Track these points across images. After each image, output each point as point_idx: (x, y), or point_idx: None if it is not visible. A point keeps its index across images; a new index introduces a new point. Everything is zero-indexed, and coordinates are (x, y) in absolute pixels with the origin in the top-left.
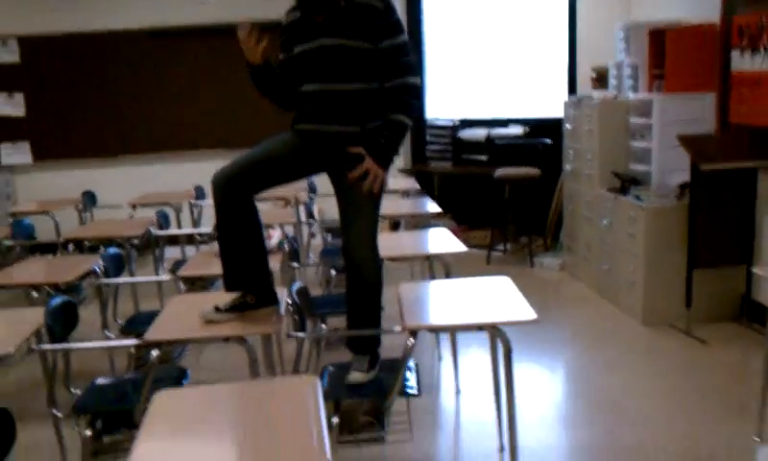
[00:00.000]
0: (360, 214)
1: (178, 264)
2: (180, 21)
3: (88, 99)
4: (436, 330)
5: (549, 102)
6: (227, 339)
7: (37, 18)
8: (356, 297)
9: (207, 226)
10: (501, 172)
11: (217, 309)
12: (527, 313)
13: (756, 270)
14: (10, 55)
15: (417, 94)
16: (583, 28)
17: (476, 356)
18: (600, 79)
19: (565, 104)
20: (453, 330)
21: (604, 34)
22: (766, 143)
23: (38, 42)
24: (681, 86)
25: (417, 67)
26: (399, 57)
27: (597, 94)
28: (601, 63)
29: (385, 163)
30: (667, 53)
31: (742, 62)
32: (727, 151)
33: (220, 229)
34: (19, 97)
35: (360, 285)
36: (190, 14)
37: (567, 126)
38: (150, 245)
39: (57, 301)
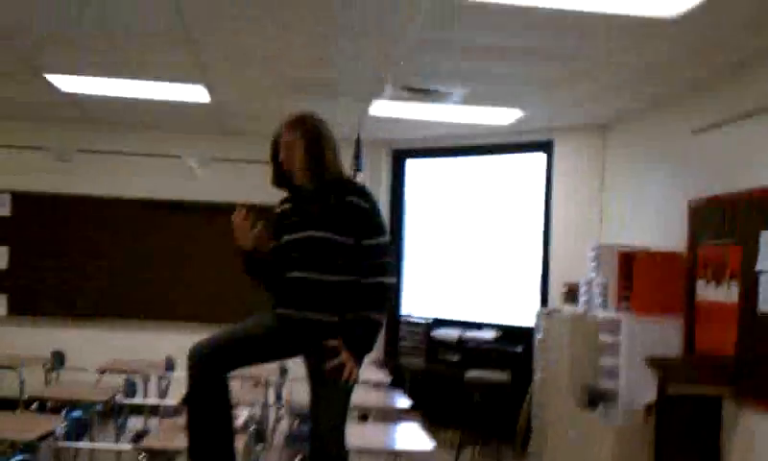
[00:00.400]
0: (332, 406)
1: (140, 435)
2: (170, 195)
3: (71, 259)
4: None
5: (521, 310)
6: None
7: (33, 176)
8: None
9: (174, 398)
10: (472, 374)
11: None
12: None
13: None
14: (1, 208)
15: (390, 294)
16: (556, 244)
17: None
18: (570, 294)
19: (537, 314)
20: None
21: (575, 251)
22: (729, 371)
23: (31, 199)
24: (648, 308)
25: (393, 268)
26: (379, 256)
27: (568, 308)
28: (572, 279)
29: (360, 356)
30: (635, 276)
31: (707, 292)
32: (692, 375)
33: (190, 402)
34: (3, 250)
35: None
36: (180, 189)
37: (539, 336)
38: (113, 412)
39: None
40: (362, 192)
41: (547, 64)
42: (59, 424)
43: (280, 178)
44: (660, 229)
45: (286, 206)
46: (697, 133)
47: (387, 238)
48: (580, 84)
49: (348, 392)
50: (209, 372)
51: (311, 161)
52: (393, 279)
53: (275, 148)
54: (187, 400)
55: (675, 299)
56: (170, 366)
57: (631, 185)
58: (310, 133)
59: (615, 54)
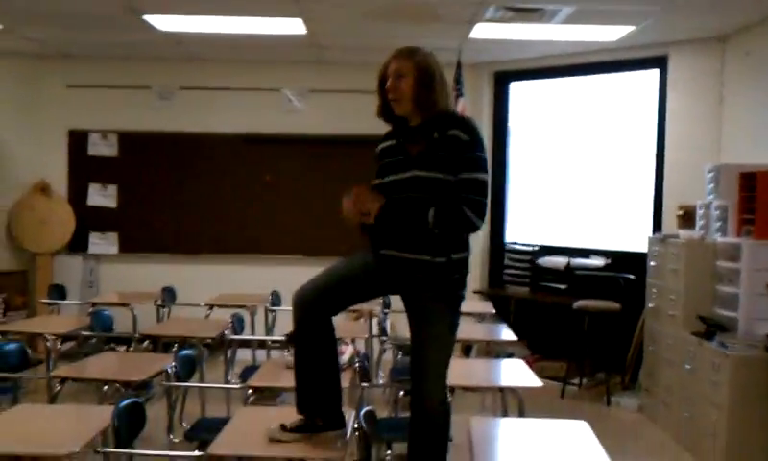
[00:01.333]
0: (432, 349)
1: (248, 371)
2: (273, 129)
3: (178, 196)
4: None
5: (632, 236)
6: (290, 460)
7: (138, 116)
8: (420, 438)
9: (281, 332)
10: (581, 303)
11: (283, 428)
12: None
13: None
14: (109, 148)
15: (467, 228)
16: (670, 165)
17: None
18: (686, 218)
19: (650, 240)
20: None
21: (692, 172)
22: None
23: (137, 138)
24: None
25: (481, 208)
26: (472, 192)
27: (683, 233)
28: (687, 202)
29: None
30: (758, 197)
31: None
32: None
33: (297, 348)
34: (113, 189)
35: (426, 428)
36: (283, 123)
37: (651, 263)
38: (222, 345)
39: (126, 402)
40: (466, 125)
41: None
42: (169, 364)
43: (386, 109)
44: None
45: (390, 142)
46: None
47: (483, 175)
48: None
49: (449, 336)
50: (314, 315)
51: (420, 94)
52: (476, 219)
53: (382, 78)
54: (294, 343)
55: None
56: (276, 300)
57: (752, 100)
58: (422, 64)
59: None
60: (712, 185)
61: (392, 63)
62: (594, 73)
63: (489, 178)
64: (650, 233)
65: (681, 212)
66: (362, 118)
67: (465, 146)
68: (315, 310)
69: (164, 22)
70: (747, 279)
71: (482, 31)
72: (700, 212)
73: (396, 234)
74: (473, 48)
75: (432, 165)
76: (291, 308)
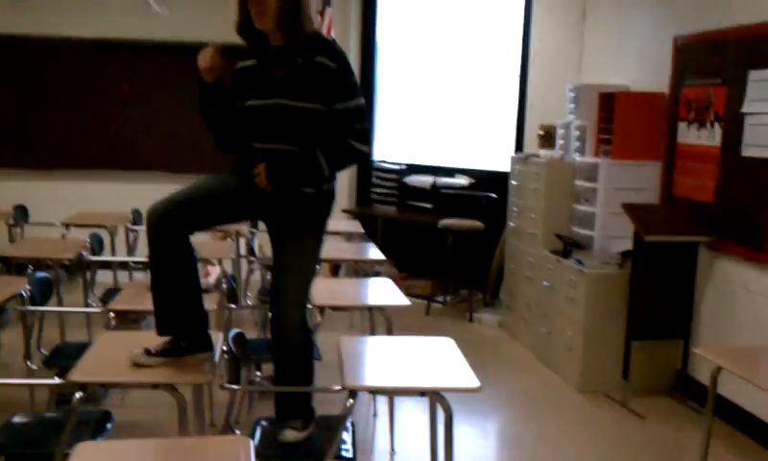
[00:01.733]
0: (291, 275)
1: (109, 294)
2: (132, 34)
3: (28, 107)
4: (377, 393)
5: (496, 155)
6: (156, 386)
7: None
8: (283, 361)
9: (143, 253)
10: (445, 222)
11: (147, 352)
12: (470, 380)
13: (696, 350)
14: None
15: (358, 160)
16: (533, 85)
17: (412, 417)
18: (547, 137)
19: (512, 159)
20: (395, 394)
21: (554, 92)
22: (708, 218)
23: None
24: (628, 153)
25: (368, 134)
26: (351, 120)
27: (544, 153)
28: (550, 122)
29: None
30: (616, 118)
31: (688, 135)
32: (670, 223)
33: (153, 268)
34: None
35: (286, 351)
36: (142, 28)
37: (513, 182)
38: (80, 268)
39: None
40: (332, 50)
41: None
42: (24, 286)
43: (246, 27)
44: (644, 68)
45: (249, 62)
46: None
47: (360, 101)
48: None
49: (311, 263)
50: (170, 234)
51: (285, 10)
52: (365, 148)
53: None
54: (149, 262)
55: (655, 142)
56: (138, 219)
57: (614, 21)
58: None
59: None
60: (573, 105)
61: None
62: None
63: (363, 100)
64: (512, 153)
65: (542, 132)
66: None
67: (334, 74)
68: (170, 227)
69: None
70: (603, 199)
71: None
72: (560, 132)
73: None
74: None
75: (298, 94)
76: (145, 228)
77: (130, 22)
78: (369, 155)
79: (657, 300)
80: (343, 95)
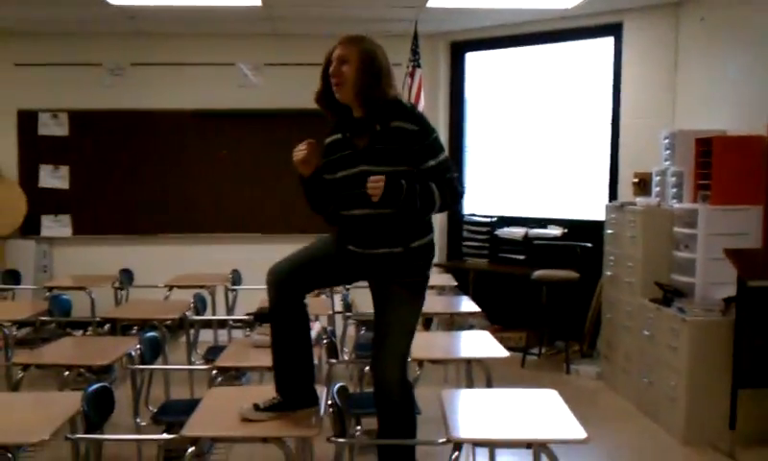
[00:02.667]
0: (393, 333)
1: (211, 351)
2: (225, 104)
3: (133, 175)
4: (483, 445)
5: (588, 204)
6: (265, 440)
7: (89, 94)
8: (385, 416)
9: (242, 311)
10: (539, 273)
11: (257, 407)
12: (576, 432)
13: None
14: (59, 128)
15: (455, 205)
16: (625, 133)
17: None
18: (642, 185)
19: (607, 208)
20: (501, 446)
21: (647, 140)
22: None
23: (87, 117)
24: (727, 198)
25: (459, 182)
26: (442, 175)
27: (640, 201)
28: (643, 169)
29: (394, 193)
30: (714, 162)
31: None
32: None
33: (274, 327)
34: (65, 170)
35: (388, 406)
36: (235, 99)
37: (608, 230)
38: (183, 327)
39: (95, 387)
40: (409, 114)
41: None
42: (133, 346)
43: (326, 96)
44: (740, 111)
45: (335, 137)
46: None
47: (445, 154)
48: None
49: (411, 321)
50: (290, 294)
51: (362, 82)
52: (461, 190)
53: (326, 64)
54: (271, 322)
55: (756, 186)
56: (237, 279)
57: (707, 67)
58: (367, 52)
59: None
60: (668, 152)
61: (337, 49)
62: (550, 42)
63: (446, 153)
64: (606, 202)
65: (637, 180)
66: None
67: (415, 136)
68: (291, 289)
69: None
70: (703, 245)
71: (439, 0)
72: (656, 179)
73: (355, 231)
74: (429, 18)
75: (379, 159)
76: (266, 286)
77: (227, 93)
78: (463, 195)
79: (763, 346)
80: (427, 154)
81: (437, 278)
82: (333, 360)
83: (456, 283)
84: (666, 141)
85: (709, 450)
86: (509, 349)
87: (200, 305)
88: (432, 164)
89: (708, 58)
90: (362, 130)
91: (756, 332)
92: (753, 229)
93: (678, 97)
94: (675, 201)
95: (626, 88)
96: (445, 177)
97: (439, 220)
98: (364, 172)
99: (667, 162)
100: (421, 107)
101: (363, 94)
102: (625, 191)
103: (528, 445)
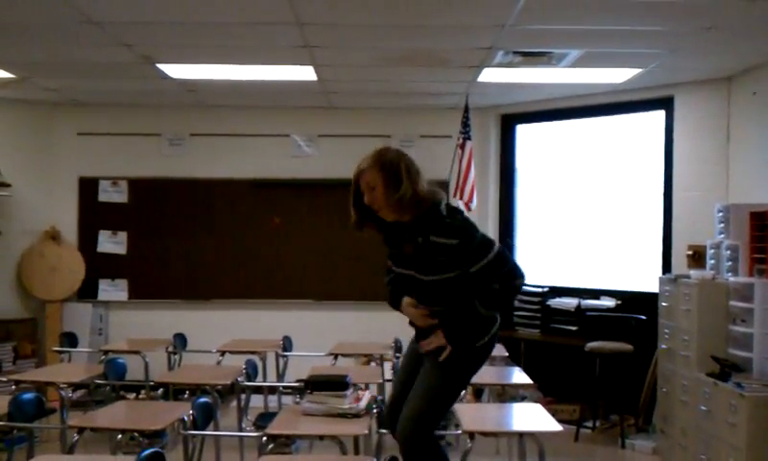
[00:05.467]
0: (423, 396)
1: (262, 418)
2: (283, 174)
3: (188, 242)
4: None
5: (641, 276)
6: None
7: (148, 163)
8: None
9: (292, 377)
10: (593, 345)
11: None
12: None
13: None
14: (119, 195)
15: (519, 292)
16: (679, 205)
17: None
18: (696, 257)
19: (661, 280)
20: None
21: (701, 212)
22: None
23: (147, 185)
24: None
25: (518, 272)
26: (493, 273)
27: (695, 273)
28: (697, 242)
29: (455, 341)
30: None
31: None
32: None
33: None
34: (123, 236)
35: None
36: (292, 168)
37: (663, 303)
38: (234, 392)
39: (148, 452)
40: (447, 228)
41: (667, 18)
42: (185, 411)
43: (363, 220)
44: None
45: (388, 231)
46: None
47: (494, 251)
48: (702, 36)
49: (438, 385)
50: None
51: (395, 198)
52: (520, 280)
53: (356, 192)
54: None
55: None
56: (288, 345)
57: (761, 140)
58: (385, 167)
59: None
60: (722, 225)
61: (362, 177)
62: (600, 115)
63: (496, 247)
64: (659, 274)
65: (691, 252)
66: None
67: (456, 249)
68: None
69: (177, 70)
70: (760, 319)
71: (490, 75)
72: (711, 252)
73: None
74: (480, 91)
75: (426, 269)
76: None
77: (282, 163)
78: (523, 279)
79: None
80: (474, 259)
81: None
82: (384, 431)
83: (507, 354)
84: (720, 214)
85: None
86: (562, 422)
87: (251, 371)
88: (481, 265)
89: (761, 131)
90: (406, 239)
91: None
92: None
93: (731, 170)
94: (730, 274)
95: (678, 161)
96: (499, 273)
97: None
98: (413, 277)
99: (722, 235)
100: (471, 178)
101: (400, 206)
102: (679, 264)
103: None
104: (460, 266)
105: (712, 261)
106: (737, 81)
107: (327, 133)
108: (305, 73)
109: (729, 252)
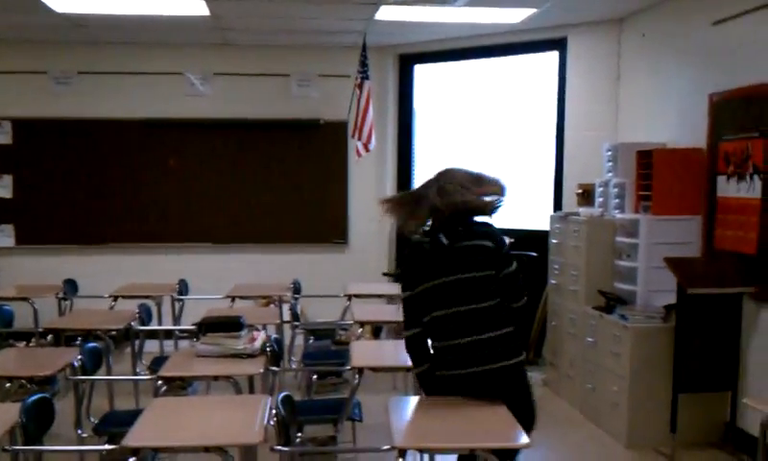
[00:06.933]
0: None
1: (156, 362)
2: (177, 113)
3: (78, 185)
4: (427, 452)
5: (534, 215)
6: (207, 449)
7: (34, 102)
8: None
9: (189, 321)
10: None
11: None
12: (520, 438)
13: (745, 400)
14: (3, 137)
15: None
16: (570, 145)
17: None
18: (586, 195)
19: (552, 218)
20: (444, 452)
21: (591, 152)
22: (751, 269)
23: (32, 125)
24: (667, 209)
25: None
26: (515, 281)
27: (583, 211)
28: (587, 181)
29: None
30: (654, 174)
31: (727, 188)
32: (713, 275)
33: None
34: (8, 179)
35: None
36: (186, 108)
37: (553, 240)
38: (128, 337)
39: (34, 398)
40: (488, 233)
41: None
42: (75, 357)
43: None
44: (680, 125)
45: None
46: (717, 24)
47: (515, 264)
48: None
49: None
50: None
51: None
52: (525, 302)
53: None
54: None
55: (695, 197)
56: (184, 289)
57: (648, 81)
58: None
59: None
60: (611, 164)
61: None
62: (497, 55)
63: (515, 262)
64: (551, 212)
65: (580, 191)
66: (267, 101)
67: (494, 252)
68: None
69: (61, 4)
70: (645, 254)
71: (387, 13)
72: (599, 190)
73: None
74: (378, 31)
75: (469, 268)
76: None
77: (175, 102)
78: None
79: (703, 352)
80: (504, 264)
81: (385, 286)
82: (275, 368)
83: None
84: (609, 153)
85: (652, 454)
86: None
87: (145, 316)
88: (508, 272)
89: (649, 72)
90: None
91: (695, 339)
92: (692, 238)
93: (620, 110)
94: (617, 211)
95: (570, 101)
96: (515, 286)
97: (388, 231)
98: (459, 279)
99: (610, 174)
100: (370, 119)
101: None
102: (569, 202)
103: (471, 451)
104: (493, 267)
105: (601, 199)
106: (628, 22)
107: (223, 72)
108: (197, 7)
109: (616, 189)
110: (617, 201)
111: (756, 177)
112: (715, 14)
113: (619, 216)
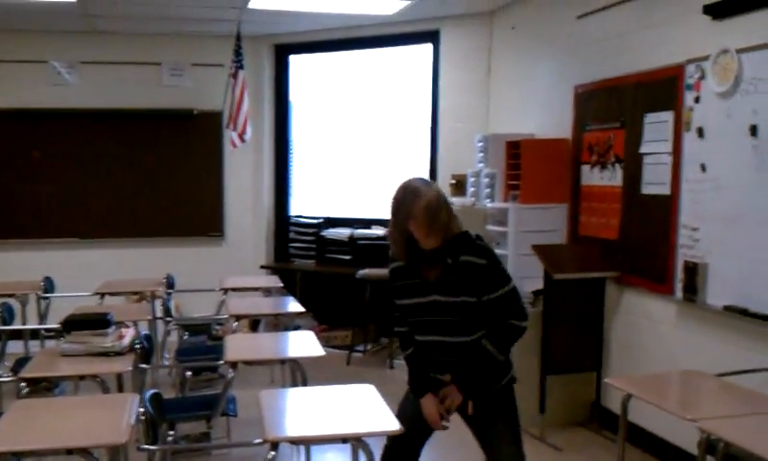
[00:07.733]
0: (505, 439)
1: (20, 362)
2: (41, 103)
3: None
4: (299, 443)
5: None
6: (70, 451)
7: None
8: None
9: (55, 320)
10: (363, 272)
11: None
12: (391, 424)
13: (607, 380)
14: None
15: (520, 336)
16: (444, 137)
17: None
18: (459, 186)
19: None
20: (317, 442)
21: (464, 144)
22: (613, 254)
23: None
24: (535, 197)
25: (524, 311)
26: (510, 303)
27: (457, 201)
28: (461, 171)
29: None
30: (522, 164)
31: (591, 177)
32: (578, 261)
33: None
34: None
35: None
36: (51, 97)
37: None
38: None
39: None
40: (477, 248)
41: None
42: None
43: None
44: (547, 116)
45: (400, 263)
46: (582, 18)
47: (512, 284)
48: None
49: (514, 423)
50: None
51: (445, 228)
52: (525, 323)
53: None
54: None
55: (561, 186)
56: (49, 287)
57: (518, 73)
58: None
59: None
60: (482, 154)
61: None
62: (371, 47)
63: (512, 281)
64: None
65: (453, 181)
66: (137, 91)
67: (484, 269)
68: (399, 454)
69: None
70: (513, 241)
71: (261, 1)
72: (471, 180)
73: (432, 356)
74: (253, 19)
75: (450, 291)
76: None
77: (40, 92)
78: (526, 328)
79: (569, 335)
80: (498, 284)
81: (263, 279)
82: (145, 365)
83: (282, 285)
84: (480, 144)
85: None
86: (336, 347)
87: (6, 315)
88: (502, 292)
89: (519, 65)
90: (434, 262)
91: (562, 322)
92: (559, 225)
93: (492, 102)
94: (488, 200)
95: (444, 93)
96: (514, 305)
97: (265, 221)
98: (436, 301)
99: (481, 164)
100: (245, 109)
101: (444, 234)
102: (445, 192)
103: (343, 440)
104: (482, 290)
105: (473, 189)
106: (498, 15)
107: (91, 60)
108: None
109: (487, 179)
110: (488, 190)
111: (617, 165)
112: (580, 8)
113: (490, 205)
